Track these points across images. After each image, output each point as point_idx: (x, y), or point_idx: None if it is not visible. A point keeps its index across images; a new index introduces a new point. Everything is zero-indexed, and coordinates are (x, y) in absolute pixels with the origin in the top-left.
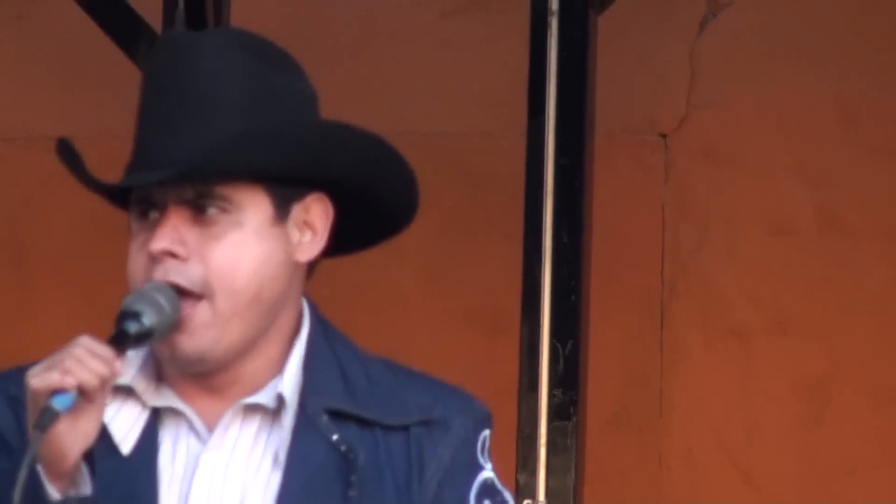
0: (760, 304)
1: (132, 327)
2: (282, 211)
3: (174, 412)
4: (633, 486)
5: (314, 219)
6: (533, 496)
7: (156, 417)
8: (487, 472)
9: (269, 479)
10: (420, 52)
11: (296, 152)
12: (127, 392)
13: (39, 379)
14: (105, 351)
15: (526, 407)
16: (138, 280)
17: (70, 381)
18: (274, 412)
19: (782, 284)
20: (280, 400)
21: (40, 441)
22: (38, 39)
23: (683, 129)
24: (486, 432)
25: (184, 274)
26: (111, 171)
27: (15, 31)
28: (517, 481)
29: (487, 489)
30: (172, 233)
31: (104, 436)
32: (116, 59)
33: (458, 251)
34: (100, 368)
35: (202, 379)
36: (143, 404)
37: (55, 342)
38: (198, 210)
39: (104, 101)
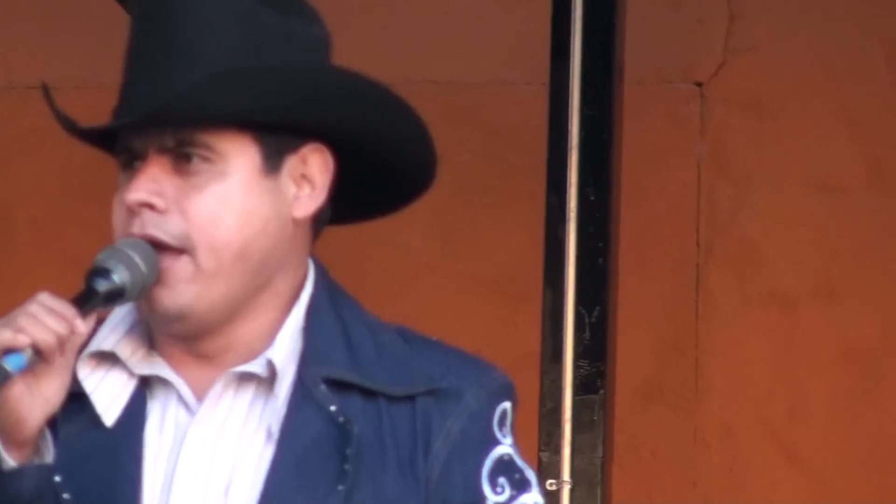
0: (805, 267)
1: (101, 285)
2: (273, 162)
3: (163, 381)
4: (667, 465)
5: (312, 171)
6: (557, 476)
7: (144, 387)
8: (505, 447)
9: (261, 454)
10: None
11: (280, 95)
12: (112, 359)
13: None
14: (65, 308)
15: (549, 379)
16: (119, 234)
17: (23, 340)
18: (269, 382)
19: (829, 245)
20: (271, 368)
21: None
22: None
23: (721, 77)
24: (506, 405)
25: (162, 227)
26: (99, 122)
27: None
28: (540, 460)
29: (504, 465)
30: (150, 183)
31: (86, 406)
32: (104, 2)
33: (475, 211)
34: (57, 327)
35: (192, 344)
36: (130, 373)
37: None
38: (179, 159)
39: (90, 48)
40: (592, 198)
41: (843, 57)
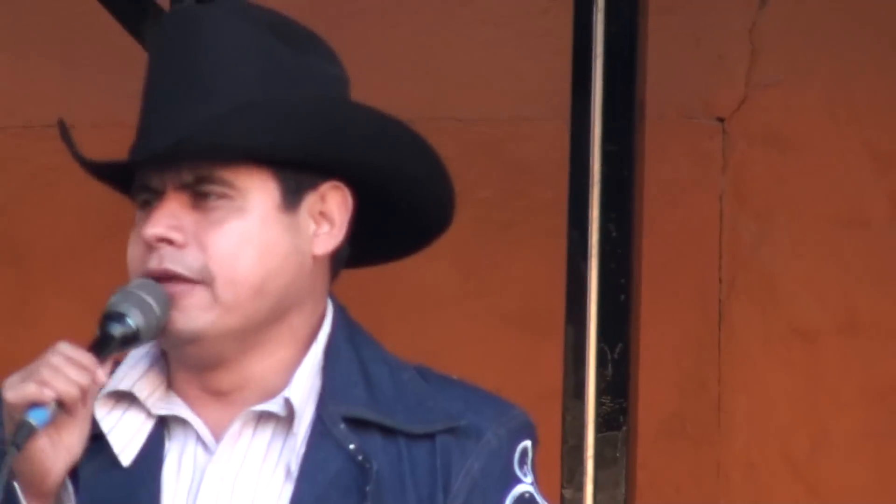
0: (828, 302)
1: (116, 330)
2: (292, 198)
3: (181, 421)
4: (690, 501)
5: (331, 209)
6: None
7: (162, 426)
8: (525, 486)
9: (280, 492)
10: (453, 29)
11: (300, 130)
12: (130, 399)
13: (14, 392)
14: (85, 358)
15: (571, 416)
16: (135, 271)
17: (48, 394)
18: (288, 420)
19: (852, 280)
20: (289, 407)
21: (16, 459)
22: (36, 18)
23: (743, 112)
24: (527, 443)
25: (181, 262)
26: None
27: (10, 10)
28: (562, 497)
29: (524, 502)
30: (169, 218)
31: (104, 447)
32: (121, 40)
33: (496, 247)
34: (80, 378)
35: (207, 378)
36: (148, 412)
37: None
38: (198, 196)
39: (108, 86)
40: (614, 233)
41: (866, 91)
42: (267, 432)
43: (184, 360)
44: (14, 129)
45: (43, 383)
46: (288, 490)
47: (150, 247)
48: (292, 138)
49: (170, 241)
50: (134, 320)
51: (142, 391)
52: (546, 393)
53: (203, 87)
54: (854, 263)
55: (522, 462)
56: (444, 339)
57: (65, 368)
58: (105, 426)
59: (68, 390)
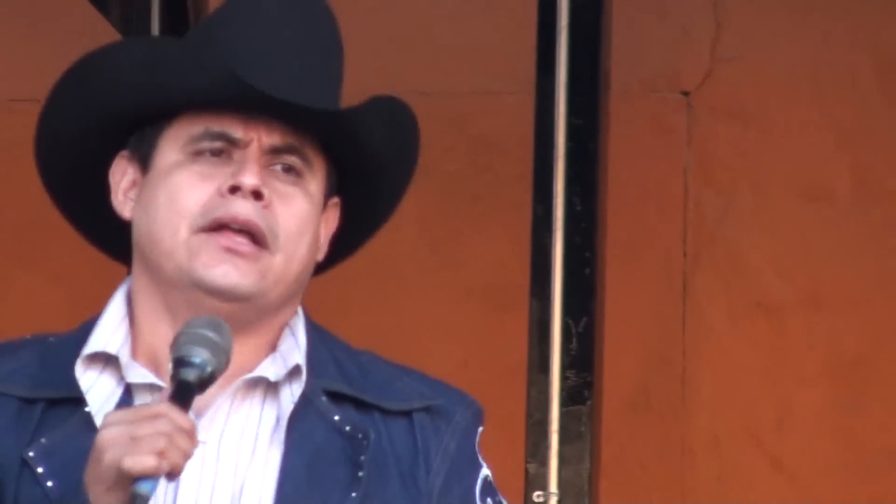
0: (791, 277)
1: (191, 375)
2: (325, 198)
3: (154, 388)
4: (654, 476)
5: (325, 223)
6: (544, 487)
7: (132, 392)
8: (486, 470)
9: (267, 458)
10: (417, 2)
11: (392, 139)
12: (105, 360)
13: (133, 461)
14: (189, 423)
15: (536, 390)
16: (197, 213)
17: (165, 467)
18: (270, 389)
19: (815, 255)
20: (295, 371)
21: None
22: None
23: (707, 86)
24: (481, 429)
25: (267, 220)
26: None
27: None
28: (527, 471)
29: (489, 486)
30: (261, 176)
31: (75, 412)
32: (86, 13)
33: (461, 221)
34: (189, 449)
35: None
36: (121, 377)
37: (24, 323)
38: (274, 165)
39: (73, 59)
40: (579, 207)
41: (830, 65)
42: (249, 402)
43: (200, 304)
44: None
45: (161, 456)
46: (275, 455)
47: (231, 195)
48: (388, 145)
49: (259, 197)
50: (206, 361)
51: (123, 356)
52: (511, 367)
53: (328, 59)
54: (817, 237)
55: (479, 446)
56: (409, 312)
57: (178, 439)
58: (84, 384)
59: (181, 463)
